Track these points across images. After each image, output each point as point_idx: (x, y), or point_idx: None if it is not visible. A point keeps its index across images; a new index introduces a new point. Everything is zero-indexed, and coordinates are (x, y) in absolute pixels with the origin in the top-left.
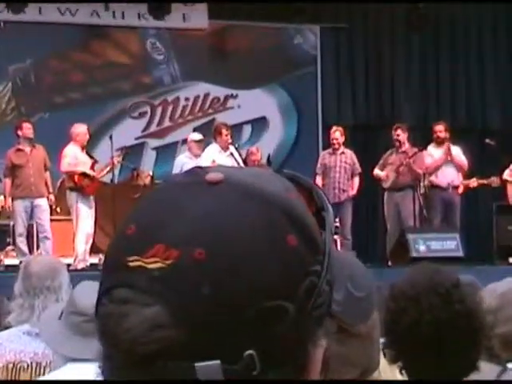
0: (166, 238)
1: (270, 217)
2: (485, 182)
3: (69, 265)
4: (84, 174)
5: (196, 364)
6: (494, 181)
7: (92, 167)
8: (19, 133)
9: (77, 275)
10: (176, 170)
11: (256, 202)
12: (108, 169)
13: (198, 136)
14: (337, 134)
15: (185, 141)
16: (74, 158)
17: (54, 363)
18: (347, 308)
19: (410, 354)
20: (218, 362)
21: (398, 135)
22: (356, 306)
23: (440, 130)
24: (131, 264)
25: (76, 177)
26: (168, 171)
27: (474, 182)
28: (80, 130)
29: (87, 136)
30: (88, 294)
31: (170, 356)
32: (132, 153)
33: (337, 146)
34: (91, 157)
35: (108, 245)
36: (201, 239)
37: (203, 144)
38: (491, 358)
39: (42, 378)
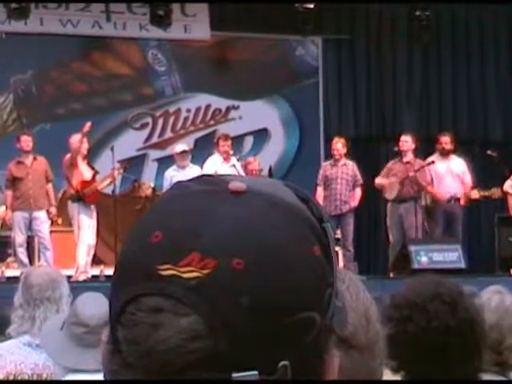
0: (200, 246)
1: (298, 227)
2: (486, 193)
3: (70, 276)
4: (85, 182)
5: (233, 375)
6: (496, 192)
7: (93, 178)
8: (18, 145)
9: (78, 287)
10: (166, 183)
11: (283, 213)
12: (108, 181)
13: (181, 147)
14: (338, 145)
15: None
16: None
17: (55, 374)
18: (337, 318)
19: (414, 362)
20: (256, 372)
21: (406, 142)
22: (339, 315)
23: (446, 141)
24: (163, 273)
25: (77, 183)
26: None
27: (475, 194)
28: (72, 140)
29: (82, 145)
30: (90, 305)
31: (205, 367)
32: (133, 164)
33: (338, 157)
34: (92, 168)
35: (125, 252)
36: (238, 249)
37: (188, 155)
38: (504, 371)
39: None
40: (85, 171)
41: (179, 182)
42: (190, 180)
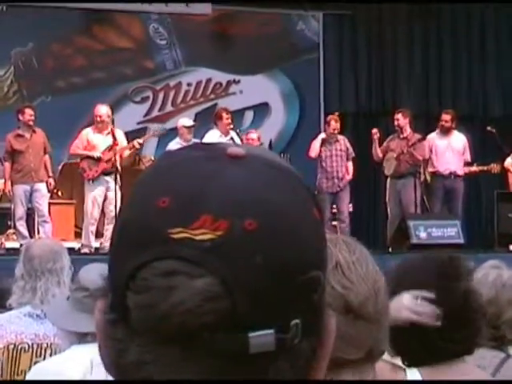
0: (210, 208)
1: (299, 190)
2: (485, 168)
3: (70, 248)
4: (88, 158)
5: (250, 334)
6: (494, 167)
7: (110, 149)
8: (20, 117)
9: (80, 259)
10: None
11: (284, 176)
12: (132, 147)
13: (188, 122)
14: (333, 122)
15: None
16: (84, 140)
17: (59, 346)
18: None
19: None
20: (272, 331)
21: (397, 120)
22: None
23: (446, 119)
24: (175, 236)
25: (79, 160)
26: None
27: (474, 168)
28: (95, 111)
29: (101, 117)
30: (93, 271)
31: (222, 327)
32: (133, 137)
33: (333, 134)
34: (115, 138)
35: (128, 220)
36: (248, 210)
37: (194, 130)
38: (502, 345)
39: (42, 361)
40: (96, 144)
41: (172, 150)
42: (185, 148)
